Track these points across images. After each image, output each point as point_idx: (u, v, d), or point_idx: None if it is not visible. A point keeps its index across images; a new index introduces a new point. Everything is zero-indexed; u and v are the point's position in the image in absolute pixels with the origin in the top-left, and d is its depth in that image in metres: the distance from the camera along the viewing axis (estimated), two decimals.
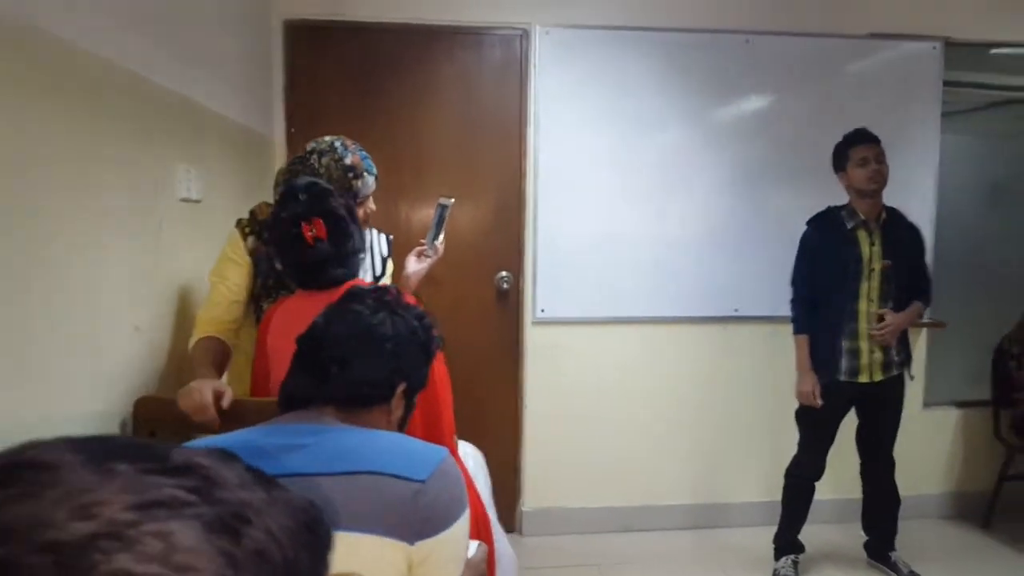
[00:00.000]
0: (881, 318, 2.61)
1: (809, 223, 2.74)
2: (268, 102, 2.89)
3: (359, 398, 1.13)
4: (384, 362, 1.15)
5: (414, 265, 2.07)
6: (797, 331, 2.71)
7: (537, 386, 3.14)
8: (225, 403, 1.50)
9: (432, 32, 3.00)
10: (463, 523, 1.04)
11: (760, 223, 3.18)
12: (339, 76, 2.98)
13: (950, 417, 3.41)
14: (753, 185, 3.18)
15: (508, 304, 3.13)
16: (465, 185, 3.05)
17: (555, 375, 3.14)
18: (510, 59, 3.05)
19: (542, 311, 3.10)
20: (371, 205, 1.96)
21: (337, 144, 1.87)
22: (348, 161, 1.84)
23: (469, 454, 1.97)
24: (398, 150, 3.00)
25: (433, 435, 1.44)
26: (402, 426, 1.22)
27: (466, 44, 3.03)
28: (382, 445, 1.06)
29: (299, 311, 1.47)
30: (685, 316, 3.19)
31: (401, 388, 1.17)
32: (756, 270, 3.15)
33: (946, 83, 3.27)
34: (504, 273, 3.11)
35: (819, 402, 2.63)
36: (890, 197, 2.69)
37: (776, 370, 3.04)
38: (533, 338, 3.13)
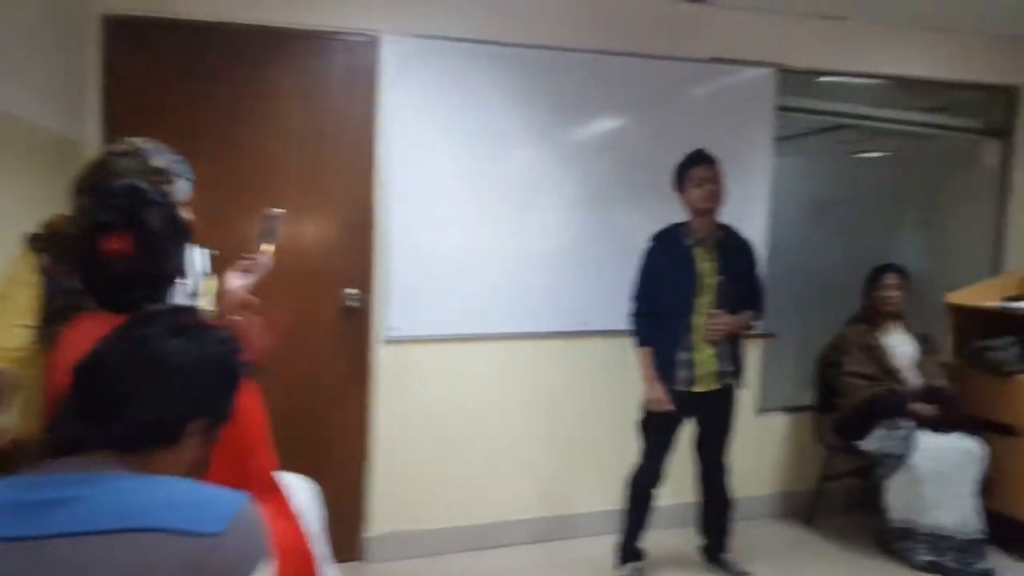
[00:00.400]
0: (714, 317, 2.72)
1: (650, 240, 2.83)
2: (81, 105, 2.62)
3: (141, 440, 1.00)
4: (174, 396, 1.02)
5: (236, 281, 1.93)
6: (640, 344, 2.79)
7: (386, 407, 3.05)
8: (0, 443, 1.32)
9: (272, 34, 2.83)
10: (263, 572, 0.96)
11: (609, 239, 3.24)
12: (166, 78, 2.75)
13: (780, 422, 3.65)
14: (602, 202, 3.25)
15: (356, 323, 3.00)
16: (309, 198, 2.91)
17: (405, 395, 3.06)
18: (358, 67, 2.94)
19: (393, 329, 3.01)
20: (186, 214, 1.80)
21: (144, 146, 1.71)
22: (155, 164, 1.69)
23: (302, 487, 1.85)
24: (233, 159, 2.81)
25: (242, 476, 1.33)
26: (200, 468, 1.11)
27: (309, 49, 2.89)
28: (165, 495, 0.94)
29: (96, 334, 1.31)
30: (536, 331, 3.21)
31: (197, 425, 1.06)
32: (604, 285, 3.19)
33: (780, 108, 3.48)
34: (352, 290, 2.98)
35: (671, 407, 2.72)
36: (727, 214, 2.84)
37: (622, 382, 3.12)
38: (383, 357, 3.03)
